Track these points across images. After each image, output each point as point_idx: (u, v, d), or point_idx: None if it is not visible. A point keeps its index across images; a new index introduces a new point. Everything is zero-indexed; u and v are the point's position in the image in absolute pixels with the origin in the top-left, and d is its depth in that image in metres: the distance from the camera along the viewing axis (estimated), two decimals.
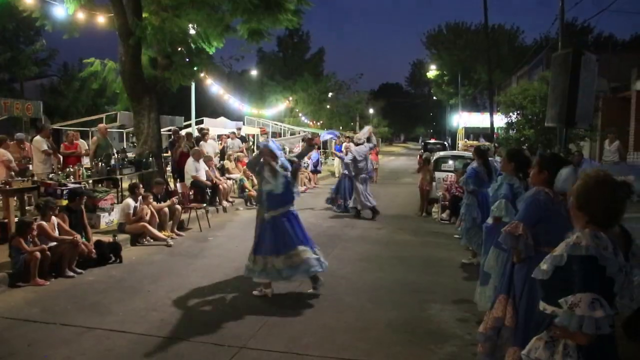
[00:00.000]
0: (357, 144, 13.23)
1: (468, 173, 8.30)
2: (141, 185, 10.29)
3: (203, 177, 13.09)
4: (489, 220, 5.93)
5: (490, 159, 8.62)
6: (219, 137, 21.78)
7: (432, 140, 43.73)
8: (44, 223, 7.65)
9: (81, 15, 11.59)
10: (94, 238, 8.61)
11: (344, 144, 25.37)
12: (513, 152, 6.13)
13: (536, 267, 2.86)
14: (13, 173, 10.27)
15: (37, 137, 12.16)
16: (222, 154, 18.31)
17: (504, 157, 6.16)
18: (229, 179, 15.42)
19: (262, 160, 6.84)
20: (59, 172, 10.32)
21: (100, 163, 11.69)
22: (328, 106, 49.76)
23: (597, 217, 2.66)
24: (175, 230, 10.61)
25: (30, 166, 12.08)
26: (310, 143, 7.82)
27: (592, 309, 2.44)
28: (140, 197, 9.86)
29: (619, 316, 2.90)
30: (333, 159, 28.99)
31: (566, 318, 2.52)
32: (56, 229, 7.84)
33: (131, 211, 9.67)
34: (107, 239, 8.66)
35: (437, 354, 5.11)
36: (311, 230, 10.94)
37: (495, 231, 5.61)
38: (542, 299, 2.80)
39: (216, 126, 24.88)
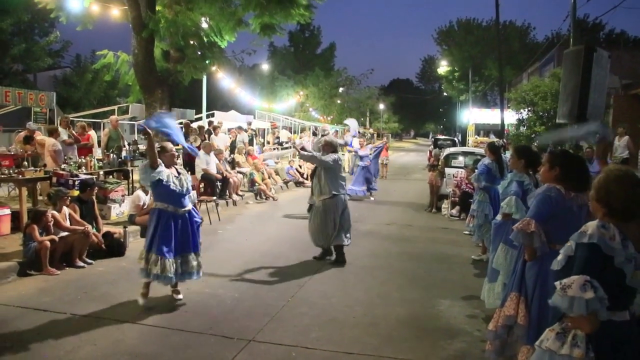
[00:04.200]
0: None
1: (480, 169, 8.28)
2: None
3: (213, 170, 13.13)
4: (498, 217, 5.94)
5: (502, 155, 8.59)
6: (229, 130, 21.82)
7: (442, 137, 43.56)
8: (55, 213, 7.71)
9: (96, 8, 11.67)
10: (104, 229, 8.68)
11: (353, 139, 25.44)
12: (522, 149, 6.12)
13: (548, 264, 2.89)
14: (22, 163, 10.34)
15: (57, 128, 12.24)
16: (232, 148, 18.34)
17: (512, 154, 6.15)
18: (240, 172, 15.46)
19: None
20: (71, 163, 10.38)
21: (111, 154, 11.76)
22: (339, 101, 49.80)
23: (615, 210, 2.70)
24: None
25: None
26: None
27: (583, 290, 2.50)
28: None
29: None
30: (343, 154, 28.98)
31: (559, 299, 2.58)
32: (67, 219, 7.90)
33: (142, 203, 9.72)
34: (118, 230, 8.72)
35: (446, 350, 5.11)
36: None
37: (504, 228, 5.62)
38: None
39: (227, 119, 24.96)
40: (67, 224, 7.85)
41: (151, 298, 6.26)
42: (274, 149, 24.24)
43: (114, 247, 8.33)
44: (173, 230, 6.03)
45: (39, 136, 12.07)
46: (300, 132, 31.18)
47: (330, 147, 8.45)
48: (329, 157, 8.19)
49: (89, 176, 9.93)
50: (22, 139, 12.45)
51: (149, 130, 6.00)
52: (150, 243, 6.00)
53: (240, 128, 20.81)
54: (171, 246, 6.00)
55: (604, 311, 2.51)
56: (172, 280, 6.08)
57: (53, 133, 11.21)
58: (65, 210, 7.95)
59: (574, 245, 2.70)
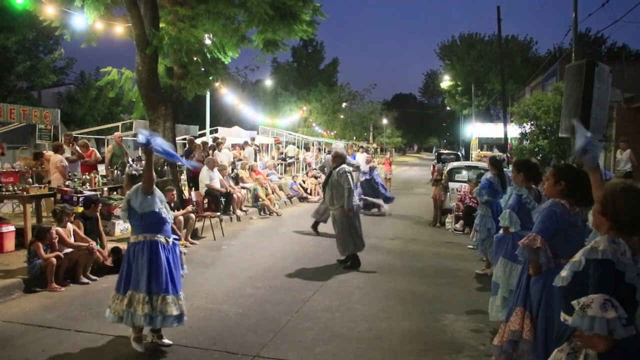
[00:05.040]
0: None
1: (482, 184, 8.29)
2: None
3: (217, 186, 13.15)
4: (501, 232, 5.95)
5: (504, 169, 8.61)
6: (233, 146, 21.90)
7: (446, 151, 43.59)
8: (60, 229, 7.74)
9: (100, 25, 11.76)
10: (109, 245, 8.69)
11: (357, 154, 25.57)
12: (520, 163, 6.17)
13: (553, 279, 2.87)
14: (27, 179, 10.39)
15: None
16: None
17: (512, 169, 6.19)
18: (243, 187, 15.49)
19: None
20: (75, 180, 10.42)
21: (115, 171, 11.80)
22: (342, 116, 49.86)
23: (621, 224, 2.67)
24: (189, 239, 10.65)
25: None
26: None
27: (604, 310, 2.44)
28: None
29: None
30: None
31: (578, 319, 2.53)
32: (72, 235, 7.92)
33: None
34: (123, 246, 8.72)
35: None
36: (324, 240, 10.99)
37: (505, 242, 5.64)
38: (563, 309, 2.80)
39: (230, 135, 25.08)
40: (72, 240, 7.86)
41: None
42: (279, 164, 24.31)
43: (120, 264, 8.32)
44: (166, 264, 5.28)
45: (47, 152, 12.16)
46: (305, 149, 31.26)
47: (340, 158, 9.11)
48: (349, 181, 8.79)
49: (93, 193, 9.97)
50: (33, 155, 12.58)
51: (152, 150, 5.28)
52: (148, 284, 5.14)
53: (246, 143, 20.91)
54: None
55: (622, 329, 2.46)
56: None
57: (58, 149, 11.27)
58: (70, 226, 7.97)
59: (584, 261, 2.64)
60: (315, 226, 12.23)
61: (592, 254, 2.62)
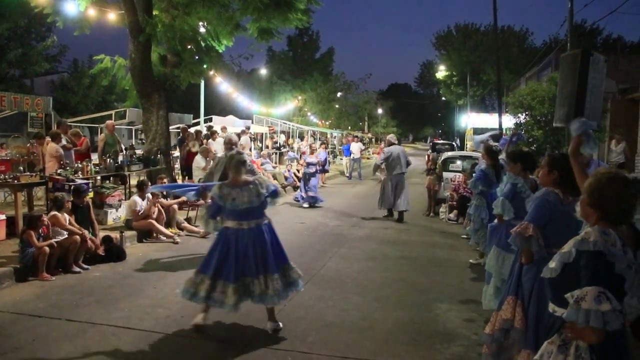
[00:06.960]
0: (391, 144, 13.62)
1: (476, 175, 8.25)
2: (149, 183, 10.30)
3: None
4: (496, 221, 5.94)
5: (500, 158, 8.58)
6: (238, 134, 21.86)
7: (441, 141, 43.59)
8: (58, 214, 7.72)
9: (92, 12, 11.68)
10: (101, 234, 8.65)
11: (352, 144, 25.54)
12: (515, 154, 6.12)
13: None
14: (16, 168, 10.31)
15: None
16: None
17: (508, 161, 6.15)
18: None
19: None
20: (68, 168, 10.34)
21: (108, 159, 11.73)
22: (337, 106, 49.78)
23: (609, 214, 2.66)
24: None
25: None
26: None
27: (599, 303, 2.42)
28: (148, 195, 9.87)
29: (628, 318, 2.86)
30: (341, 159, 29.08)
31: (573, 313, 2.50)
32: (66, 222, 7.90)
33: (138, 208, 9.69)
34: (114, 235, 8.70)
35: (443, 354, 5.08)
36: (318, 230, 10.99)
37: (499, 231, 5.63)
38: (551, 300, 2.78)
39: (225, 124, 25.02)
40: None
41: (147, 303, 6.24)
42: (273, 153, 24.26)
43: (112, 252, 8.30)
44: None
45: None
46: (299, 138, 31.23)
47: (235, 145, 8.68)
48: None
49: (83, 181, 9.89)
50: (35, 135, 12.59)
51: None
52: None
53: (243, 131, 20.88)
54: None
55: (616, 321, 2.44)
56: None
57: (56, 137, 11.19)
58: (65, 215, 7.95)
59: (575, 252, 2.62)
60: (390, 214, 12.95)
61: (583, 246, 2.59)
